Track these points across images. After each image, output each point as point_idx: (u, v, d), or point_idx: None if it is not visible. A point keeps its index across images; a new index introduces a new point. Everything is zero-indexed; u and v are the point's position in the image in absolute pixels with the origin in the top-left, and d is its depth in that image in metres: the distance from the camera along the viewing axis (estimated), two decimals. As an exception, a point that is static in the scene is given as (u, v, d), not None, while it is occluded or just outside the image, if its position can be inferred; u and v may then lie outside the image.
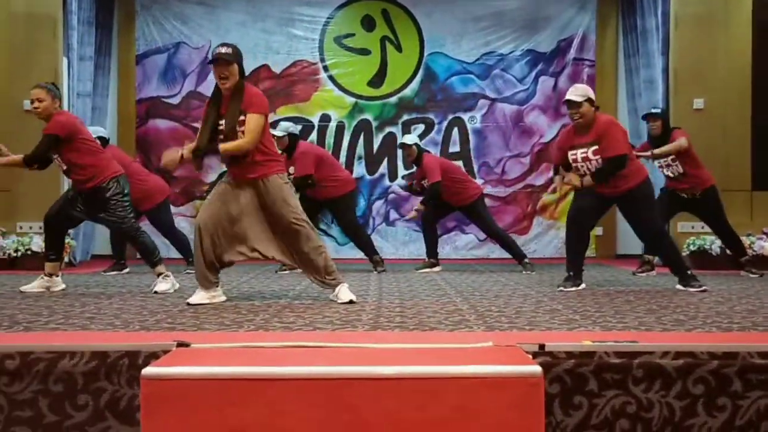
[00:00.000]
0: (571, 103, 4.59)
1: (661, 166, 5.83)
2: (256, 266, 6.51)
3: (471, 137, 8.38)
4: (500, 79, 8.38)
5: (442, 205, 6.56)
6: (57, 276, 4.72)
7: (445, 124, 8.37)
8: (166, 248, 6.31)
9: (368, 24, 8.40)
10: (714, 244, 6.49)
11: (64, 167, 4.64)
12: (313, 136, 8.25)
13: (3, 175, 6.85)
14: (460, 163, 7.81)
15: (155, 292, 4.52)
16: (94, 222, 5.28)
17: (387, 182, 8.41)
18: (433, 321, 3.32)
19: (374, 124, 8.39)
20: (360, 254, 6.76)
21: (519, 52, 8.37)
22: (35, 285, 4.62)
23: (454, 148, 8.32)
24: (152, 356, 2.40)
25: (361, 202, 8.18)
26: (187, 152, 3.95)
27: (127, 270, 6.24)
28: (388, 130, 8.40)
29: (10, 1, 6.93)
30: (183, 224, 7.55)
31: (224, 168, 4.14)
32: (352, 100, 8.38)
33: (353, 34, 8.40)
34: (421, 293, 4.56)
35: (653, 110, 5.94)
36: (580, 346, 2.45)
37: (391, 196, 8.40)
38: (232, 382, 2.09)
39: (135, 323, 3.23)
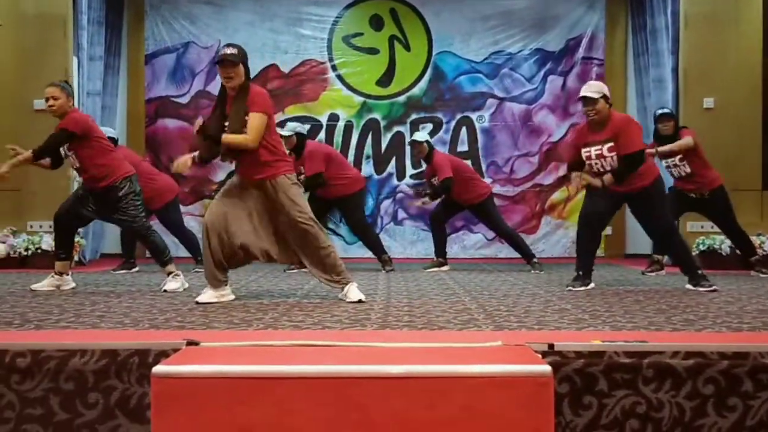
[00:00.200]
0: (586, 100, 4.57)
1: (668, 167, 5.80)
2: (265, 265, 6.50)
3: (479, 136, 8.36)
4: (509, 78, 8.36)
5: (452, 205, 6.55)
6: (67, 275, 4.74)
7: (453, 123, 8.36)
8: (175, 247, 6.32)
9: (377, 23, 8.40)
10: (724, 243, 6.46)
11: (77, 165, 4.66)
12: (322, 135, 8.25)
13: (13, 174, 6.87)
14: (468, 163, 7.79)
15: (165, 291, 4.54)
16: (105, 221, 5.31)
17: (395, 181, 8.41)
18: (441, 320, 3.32)
19: (382, 123, 8.39)
20: (368, 253, 6.77)
21: (528, 52, 8.35)
22: (45, 283, 4.65)
23: (463, 147, 8.31)
24: (162, 355, 2.40)
25: (370, 202, 8.18)
26: (198, 158, 3.98)
27: (136, 269, 6.27)
28: (396, 129, 8.40)
29: (21, 2, 6.97)
30: (192, 223, 7.57)
31: (233, 167, 4.15)
32: (361, 99, 8.38)
33: (362, 34, 8.40)
34: (429, 292, 4.56)
35: (665, 111, 5.92)
36: (590, 346, 2.44)
37: (399, 195, 8.39)
38: (242, 380, 2.09)
39: (145, 322, 3.24)
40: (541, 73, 8.34)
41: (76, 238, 5.38)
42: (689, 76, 7.02)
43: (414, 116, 8.38)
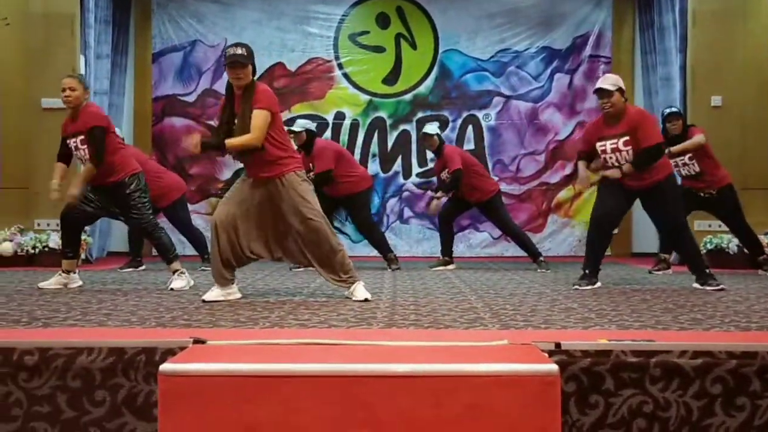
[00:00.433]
0: (602, 92, 4.57)
1: (677, 165, 5.78)
2: (271, 263, 6.52)
3: (486, 135, 8.35)
4: (515, 76, 8.35)
5: (460, 203, 6.55)
6: (74, 273, 4.76)
7: (459, 121, 8.36)
8: (181, 245, 6.34)
9: (383, 21, 8.40)
10: (731, 242, 6.43)
11: (87, 159, 4.65)
12: (328, 133, 8.25)
13: (20, 172, 6.94)
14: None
15: (171, 289, 4.55)
16: (113, 219, 5.32)
17: (401, 180, 8.41)
18: (447, 319, 3.32)
19: (389, 121, 8.39)
20: (374, 252, 6.77)
21: (534, 50, 8.33)
22: (53, 281, 4.66)
23: (469, 145, 8.30)
24: (169, 353, 2.41)
25: (375, 200, 8.18)
26: (204, 141, 3.98)
27: (143, 267, 6.28)
28: (402, 127, 8.40)
29: (28, 1, 6.99)
30: (198, 222, 7.58)
31: (240, 165, 4.15)
32: (367, 97, 8.38)
33: (368, 32, 8.40)
34: (435, 291, 4.55)
35: (674, 110, 5.90)
36: (597, 345, 2.43)
37: (405, 194, 8.39)
38: (248, 378, 2.10)
39: (151, 320, 3.25)
40: (548, 71, 8.32)
41: (83, 236, 5.41)
42: (697, 74, 6.99)
43: (420, 114, 8.37)
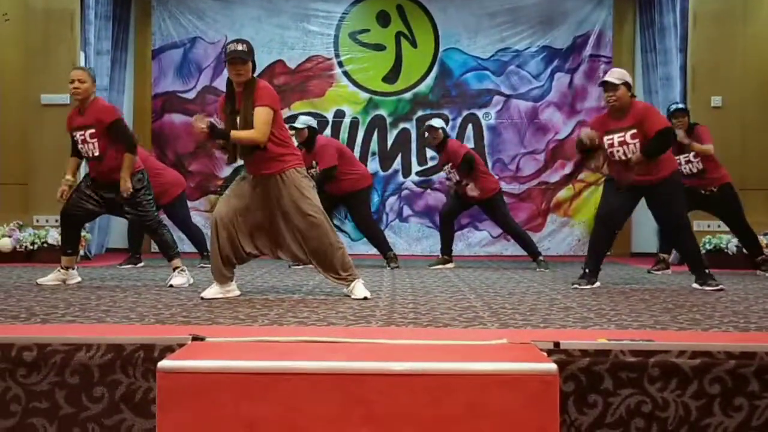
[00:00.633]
0: (608, 85, 4.58)
1: (680, 163, 5.78)
2: (270, 261, 6.51)
3: (485, 134, 8.35)
4: (515, 75, 8.34)
5: (462, 201, 6.55)
6: (73, 269, 4.76)
7: (459, 120, 8.35)
8: (180, 242, 6.33)
9: (383, 19, 8.39)
10: (730, 243, 6.44)
11: (96, 153, 4.61)
12: (327, 131, 8.23)
13: (19, 168, 6.93)
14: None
15: (171, 286, 4.55)
16: (115, 215, 5.32)
17: (401, 178, 8.40)
18: (446, 317, 3.32)
19: (388, 120, 8.38)
20: (373, 250, 6.77)
21: (534, 49, 8.32)
22: (51, 278, 4.66)
23: (469, 144, 8.25)
24: (167, 349, 2.41)
25: (375, 198, 8.18)
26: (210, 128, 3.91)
27: (142, 264, 6.28)
28: (402, 126, 8.39)
29: (29, -4, 6.99)
30: (197, 218, 7.58)
31: (239, 162, 4.14)
32: (367, 95, 8.38)
33: (368, 30, 8.39)
34: (434, 290, 4.55)
35: (680, 106, 5.91)
36: (596, 344, 2.43)
37: (405, 192, 8.39)
38: (246, 376, 2.10)
39: (150, 316, 3.25)
40: (548, 70, 8.31)
41: (82, 233, 5.39)
42: (697, 74, 6.99)
43: (420, 113, 8.36)
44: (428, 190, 8.36)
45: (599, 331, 2.90)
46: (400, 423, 2.07)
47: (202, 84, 8.34)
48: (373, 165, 8.29)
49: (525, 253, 6.53)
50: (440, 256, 6.57)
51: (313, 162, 6.06)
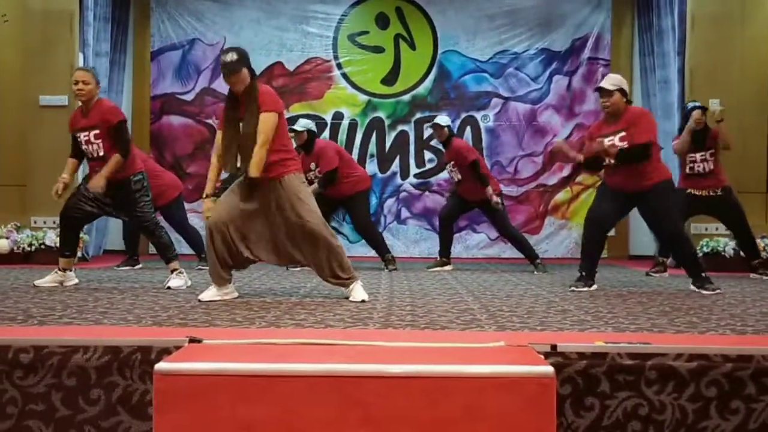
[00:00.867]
0: (602, 91, 4.61)
1: (694, 161, 5.81)
2: (268, 263, 6.52)
3: (484, 136, 8.35)
4: (514, 77, 8.35)
5: (462, 204, 6.55)
6: (70, 270, 4.75)
7: (458, 122, 8.34)
8: (177, 244, 6.32)
9: (382, 21, 8.39)
10: (728, 246, 6.45)
11: (101, 154, 4.60)
12: (326, 133, 8.24)
13: (17, 170, 6.92)
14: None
15: (168, 288, 4.54)
16: (114, 217, 5.31)
17: (399, 180, 8.40)
18: (444, 320, 3.32)
19: (387, 122, 8.39)
20: (371, 252, 6.77)
21: (533, 51, 8.33)
22: (49, 279, 4.65)
23: (467, 146, 8.29)
24: (164, 352, 2.41)
25: (373, 200, 8.17)
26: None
27: (139, 266, 6.28)
28: (400, 128, 8.39)
29: (27, -3, 6.99)
30: (195, 220, 7.57)
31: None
32: (365, 98, 8.38)
33: (367, 32, 8.39)
34: (432, 292, 4.55)
35: (697, 104, 5.98)
36: (593, 347, 2.44)
37: (403, 194, 8.39)
38: (244, 378, 2.10)
39: (147, 318, 3.25)
40: (547, 72, 8.32)
41: (80, 234, 5.38)
42: (695, 77, 7.00)
43: (419, 115, 8.36)
44: (426, 193, 8.36)
45: (596, 334, 2.91)
46: (398, 425, 2.07)
47: (201, 86, 8.33)
48: (371, 167, 8.28)
49: (523, 256, 6.53)
50: (438, 258, 6.57)
51: (312, 165, 6.06)
